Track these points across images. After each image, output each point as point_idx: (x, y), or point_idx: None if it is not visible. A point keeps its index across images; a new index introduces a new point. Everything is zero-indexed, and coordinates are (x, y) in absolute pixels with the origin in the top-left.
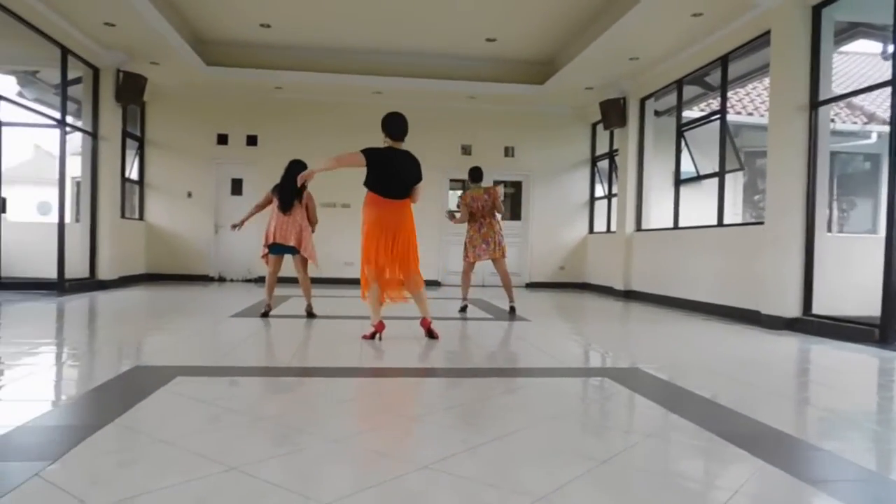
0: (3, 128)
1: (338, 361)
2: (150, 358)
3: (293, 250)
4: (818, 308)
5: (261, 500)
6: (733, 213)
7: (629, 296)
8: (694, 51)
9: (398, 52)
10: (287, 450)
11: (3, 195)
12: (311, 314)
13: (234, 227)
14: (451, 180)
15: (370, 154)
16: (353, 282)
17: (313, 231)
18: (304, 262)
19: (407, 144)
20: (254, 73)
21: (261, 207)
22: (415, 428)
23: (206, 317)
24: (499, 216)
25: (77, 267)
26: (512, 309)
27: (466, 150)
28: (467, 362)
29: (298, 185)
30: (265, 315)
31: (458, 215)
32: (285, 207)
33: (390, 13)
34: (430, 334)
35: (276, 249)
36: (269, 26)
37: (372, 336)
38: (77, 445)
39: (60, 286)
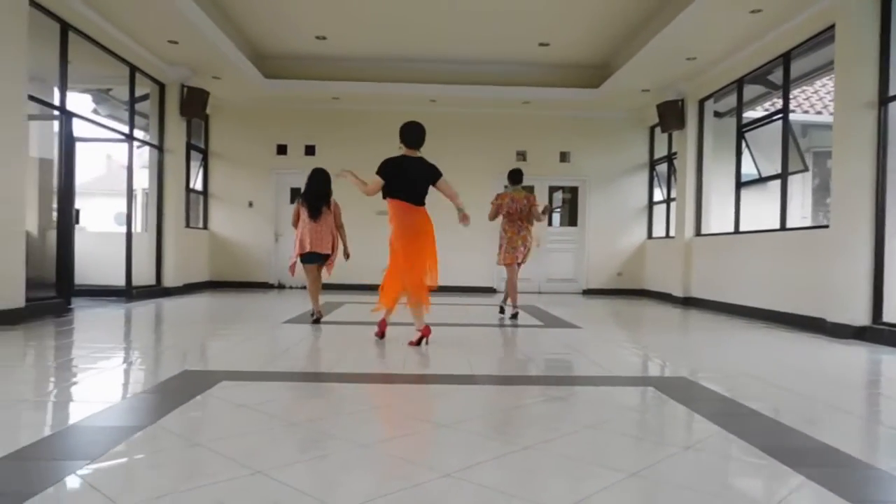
0: (78, 143)
1: (379, 367)
2: (200, 363)
3: (322, 258)
4: (889, 316)
5: None
6: (801, 217)
7: (688, 303)
8: (754, 49)
9: (452, 60)
10: (314, 455)
11: (81, 207)
12: (317, 318)
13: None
14: (506, 186)
15: (383, 168)
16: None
17: (344, 246)
18: (321, 268)
19: (463, 150)
20: (311, 85)
21: (296, 222)
22: (445, 435)
23: (260, 323)
24: (536, 224)
25: (145, 275)
26: (511, 311)
27: (521, 156)
28: (509, 370)
29: (340, 177)
30: (316, 322)
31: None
32: (315, 214)
33: (443, 22)
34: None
35: (310, 258)
36: (324, 38)
37: (419, 342)
38: (117, 446)
39: (128, 293)
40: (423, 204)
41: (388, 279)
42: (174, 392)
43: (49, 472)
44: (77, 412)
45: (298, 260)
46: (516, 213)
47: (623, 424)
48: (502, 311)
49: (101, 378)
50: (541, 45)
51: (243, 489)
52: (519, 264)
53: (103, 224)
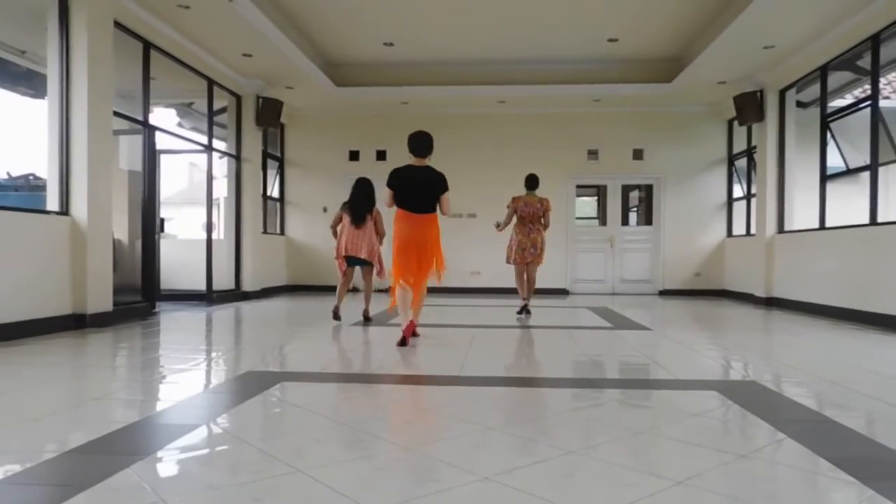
0: (162, 155)
1: (435, 370)
2: (264, 364)
3: (364, 262)
4: None
5: (311, 503)
6: None
7: (771, 303)
8: (838, 33)
9: (520, 61)
10: (356, 455)
11: (172, 217)
12: (367, 318)
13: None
14: (578, 186)
15: (390, 179)
16: (480, 290)
17: (381, 243)
18: (371, 272)
19: (533, 151)
20: (380, 91)
21: (336, 225)
22: (489, 438)
23: (327, 325)
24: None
25: (225, 279)
26: (524, 307)
27: (593, 155)
28: (566, 372)
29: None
30: (336, 317)
31: (500, 223)
32: (357, 221)
33: (509, 22)
34: (410, 337)
35: (350, 261)
36: (392, 45)
37: (402, 342)
38: (171, 443)
39: (209, 297)
40: (430, 211)
41: (396, 290)
42: (235, 392)
43: (103, 467)
44: (142, 410)
45: (343, 260)
46: (528, 216)
47: (677, 430)
48: (524, 311)
49: (169, 378)
50: (609, 40)
51: (281, 487)
52: (528, 264)
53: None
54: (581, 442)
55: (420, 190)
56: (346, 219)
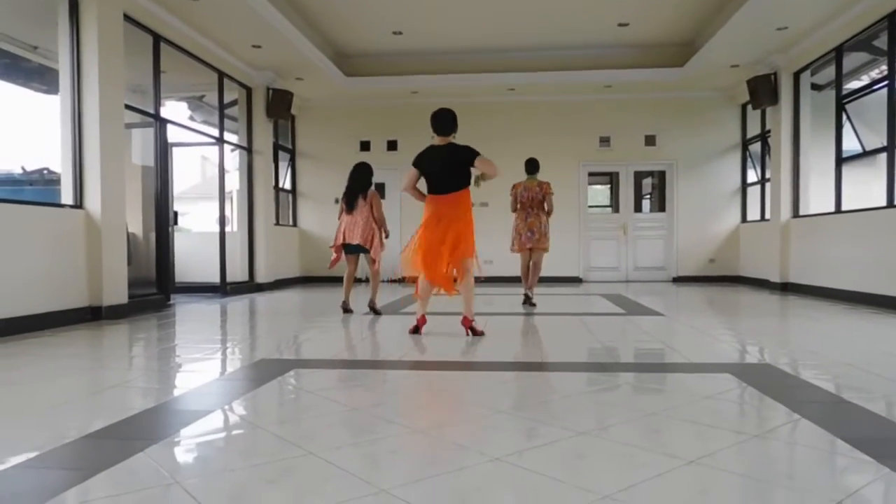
0: (175, 148)
1: (447, 356)
2: (277, 352)
3: (363, 249)
4: None
5: (323, 484)
6: None
7: (786, 288)
8: (853, 12)
9: (529, 48)
10: (369, 438)
11: (187, 211)
12: (374, 310)
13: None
14: (591, 174)
15: (415, 162)
16: (493, 280)
17: (383, 230)
18: (372, 261)
19: (544, 138)
20: (390, 81)
21: (340, 216)
22: (501, 421)
23: (340, 316)
24: (547, 214)
25: (238, 271)
26: (527, 297)
27: (605, 142)
28: (579, 356)
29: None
30: (345, 311)
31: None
32: (350, 206)
33: (517, 9)
34: (473, 331)
35: (349, 249)
36: (400, 33)
37: (415, 330)
38: (187, 427)
39: (223, 289)
40: (456, 189)
41: (429, 271)
42: (248, 379)
43: (119, 451)
44: (158, 397)
45: (339, 249)
46: (528, 201)
47: (690, 412)
48: (528, 301)
49: (183, 366)
50: (620, 25)
51: (294, 469)
52: (531, 249)
53: (207, 226)
54: (593, 424)
55: (442, 169)
56: (343, 205)
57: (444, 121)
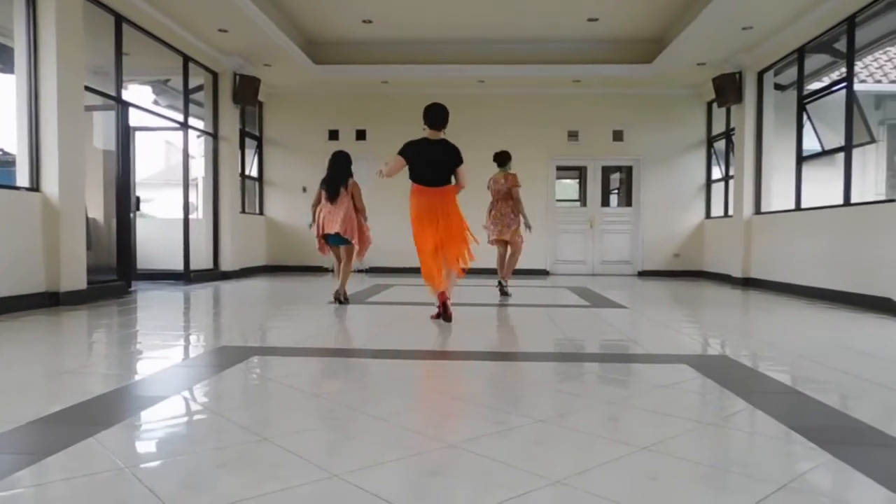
0: (139, 133)
1: (410, 345)
2: (239, 339)
3: (342, 240)
4: None
5: (275, 469)
6: (875, 194)
7: (748, 283)
8: (815, 15)
9: (500, 40)
10: (327, 424)
11: (154, 197)
12: (339, 300)
13: (310, 226)
14: (559, 168)
15: (405, 150)
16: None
17: (365, 219)
18: (350, 251)
19: (513, 132)
20: (359, 69)
21: (316, 204)
22: (460, 408)
23: (305, 304)
24: (522, 211)
25: (203, 259)
26: (500, 286)
27: (574, 136)
28: (541, 347)
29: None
30: (339, 302)
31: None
32: (331, 196)
33: (489, 0)
34: (445, 308)
35: (331, 240)
36: (370, 22)
37: (438, 315)
38: (139, 412)
39: (186, 276)
40: (445, 184)
41: (423, 264)
42: (207, 365)
43: (67, 436)
44: (112, 382)
45: (322, 240)
46: (496, 193)
47: (646, 401)
48: (502, 291)
49: (141, 353)
50: (589, 20)
51: (247, 454)
52: (505, 241)
53: (172, 212)
54: (550, 412)
55: (436, 163)
56: (323, 195)
57: (439, 116)
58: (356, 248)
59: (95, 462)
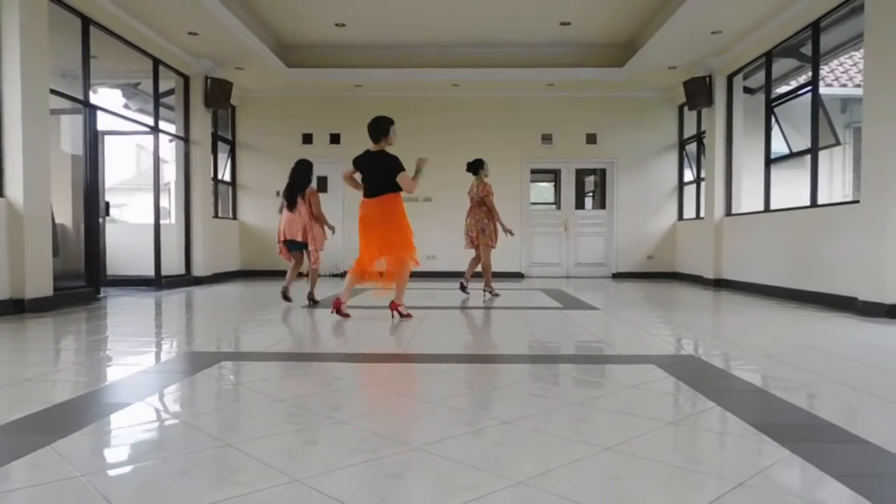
0: (108, 137)
1: (380, 348)
2: (207, 344)
3: (304, 246)
4: None
5: (236, 474)
6: (843, 195)
7: (719, 284)
8: (781, 20)
9: (473, 44)
10: (290, 429)
11: (125, 202)
12: (313, 301)
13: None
14: (533, 171)
15: (354, 161)
16: (436, 275)
17: (328, 226)
18: (313, 253)
19: (487, 135)
20: (333, 73)
21: (281, 211)
22: (425, 411)
23: (277, 309)
24: (498, 219)
25: (175, 264)
26: (462, 286)
27: (547, 139)
28: (512, 349)
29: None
30: (285, 298)
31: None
32: (290, 204)
33: (461, 4)
34: (400, 314)
35: (291, 246)
36: (343, 25)
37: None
38: (100, 420)
39: (157, 282)
40: (384, 193)
41: (357, 263)
42: (173, 371)
43: (23, 445)
44: (73, 390)
45: (283, 246)
46: (471, 201)
47: (612, 401)
48: (463, 288)
49: (106, 360)
50: (562, 24)
51: (208, 460)
52: (476, 245)
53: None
54: (515, 413)
55: (374, 174)
56: (283, 203)
57: (375, 128)
58: (312, 252)
59: (49, 472)
